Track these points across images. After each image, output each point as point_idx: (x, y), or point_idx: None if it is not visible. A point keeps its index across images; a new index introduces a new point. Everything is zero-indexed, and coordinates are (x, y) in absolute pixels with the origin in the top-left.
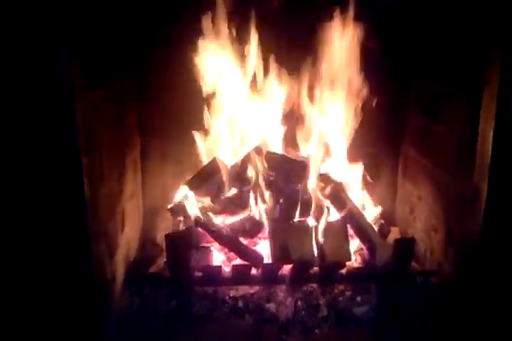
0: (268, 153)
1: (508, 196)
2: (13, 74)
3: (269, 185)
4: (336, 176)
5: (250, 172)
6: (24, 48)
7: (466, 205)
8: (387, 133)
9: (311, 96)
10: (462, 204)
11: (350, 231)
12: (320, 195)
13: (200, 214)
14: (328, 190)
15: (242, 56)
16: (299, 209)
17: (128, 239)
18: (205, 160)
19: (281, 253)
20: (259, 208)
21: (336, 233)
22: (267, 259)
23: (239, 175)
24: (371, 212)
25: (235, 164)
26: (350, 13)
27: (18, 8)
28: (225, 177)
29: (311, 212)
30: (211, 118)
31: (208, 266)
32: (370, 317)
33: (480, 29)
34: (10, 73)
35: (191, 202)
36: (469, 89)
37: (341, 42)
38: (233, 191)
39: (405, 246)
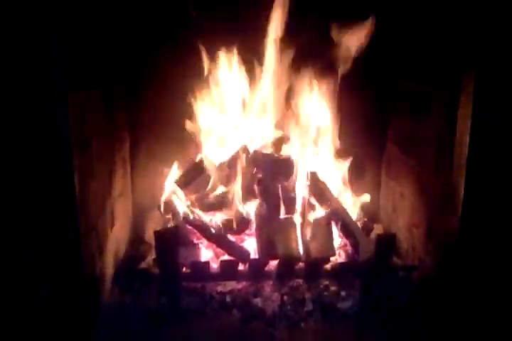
0: (255, 151)
1: (483, 193)
2: (5, 75)
3: (256, 182)
4: (321, 174)
5: (238, 171)
6: (17, 49)
7: (446, 202)
8: (371, 132)
9: (296, 97)
10: (442, 201)
11: (335, 228)
12: (305, 193)
13: (188, 212)
14: (313, 188)
15: (230, 56)
16: (284, 206)
17: (117, 236)
18: (193, 158)
19: (267, 249)
20: (246, 205)
21: (321, 229)
22: (254, 255)
23: (227, 173)
24: (355, 209)
25: (223, 162)
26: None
27: (11, 11)
28: (213, 175)
29: (297, 209)
30: (200, 117)
31: (196, 262)
32: (354, 312)
33: (457, 36)
34: (4, 75)
35: (180, 199)
36: (447, 90)
37: (323, 45)
38: (221, 189)
39: (386, 241)
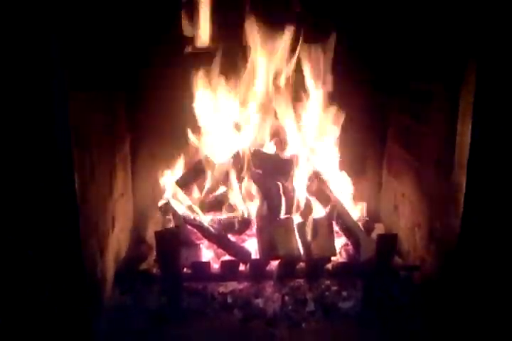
0: (255, 151)
1: (485, 193)
2: (5, 75)
3: (257, 182)
4: (322, 174)
5: (238, 171)
6: (17, 49)
7: (447, 202)
8: (372, 132)
9: (297, 96)
10: (444, 201)
11: (336, 228)
12: (306, 193)
13: (189, 212)
14: (314, 188)
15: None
16: (285, 206)
17: (118, 237)
18: (194, 159)
19: (268, 250)
20: (246, 205)
21: (322, 229)
22: (255, 255)
23: (227, 173)
24: (356, 209)
25: (224, 162)
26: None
27: (11, 12)
28: (213, 176)
29: (298, 209)
30: (200, 118)
31: (197, 262)
32: (355, 311)
33: (458, 34)
34: (4, 77)
35: (180, 200)
36: (448, 90)
37: (325, 45)
38: (222, 189)
39: (388, 241)
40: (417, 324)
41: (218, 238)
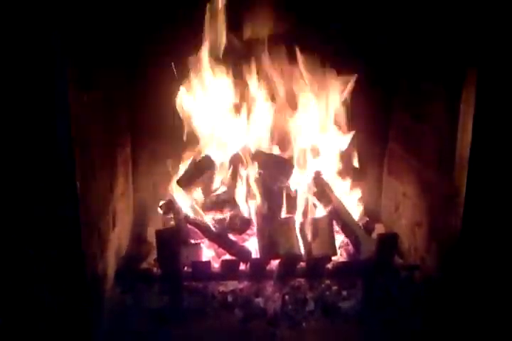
0: (256, 151)
1: (485, 193)
2: (8, 76)
3: (257, 182)
4: (323, 174)
5: (239, 171)
6: (18, 49)
7: (448, 202)
8: (373, 132)
9: (298, 96)
10: (444, 200)
11: (336, 228)
12: (307, 192)
13: (190, 211)
14: (314, 188)
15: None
16: (286, 206)
17: (119, 236)
18: (195, 157)
19: (269, 249)
20: (247, 205)
21: (322, 229)
22: (256, 254)
23: (228, 173)
24: (357, 209)
25: (224, 162)
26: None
27: (13, 10)
28: (214, 175)
29: (298, 209)
30: (201, 117)
31: (198, 261)
32: (356, 311)
33: (459, 36)
34: (6, 75)
35: (181, 199)
36: (450, 88)
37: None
38: (222, 189)
39: (388, 240)
40: (417, 323)
41: (219, 237)
